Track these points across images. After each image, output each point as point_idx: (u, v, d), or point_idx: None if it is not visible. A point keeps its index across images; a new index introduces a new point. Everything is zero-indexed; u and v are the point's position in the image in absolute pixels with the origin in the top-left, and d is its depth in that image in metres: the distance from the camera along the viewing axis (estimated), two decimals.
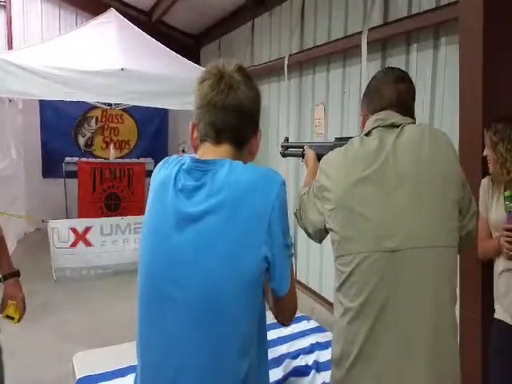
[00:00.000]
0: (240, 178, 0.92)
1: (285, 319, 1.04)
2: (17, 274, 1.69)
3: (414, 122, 1.23)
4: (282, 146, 1.75)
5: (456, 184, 1.17)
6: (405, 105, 1.22)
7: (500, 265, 1.85)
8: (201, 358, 0.86)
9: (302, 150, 1.61)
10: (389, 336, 1.08)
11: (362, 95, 1.32)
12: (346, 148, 1.22)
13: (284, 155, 1.74)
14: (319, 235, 1.25)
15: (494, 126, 1.79)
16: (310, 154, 1.51)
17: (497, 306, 1.88)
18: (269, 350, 1.75)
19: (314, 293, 3.99)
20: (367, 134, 1.21)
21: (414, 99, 1.25)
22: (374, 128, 1.19)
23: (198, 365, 0.87)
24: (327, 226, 1.18)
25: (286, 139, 1.81)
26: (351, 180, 1.14)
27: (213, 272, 0.86)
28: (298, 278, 4.08)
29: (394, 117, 1.19)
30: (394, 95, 1.20)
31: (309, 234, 1.30)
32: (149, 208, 0.99)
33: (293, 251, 1.00)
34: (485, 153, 1.87)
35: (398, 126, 1.18)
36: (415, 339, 1.08)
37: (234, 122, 0.96)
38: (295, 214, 1.35)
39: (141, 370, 0.97)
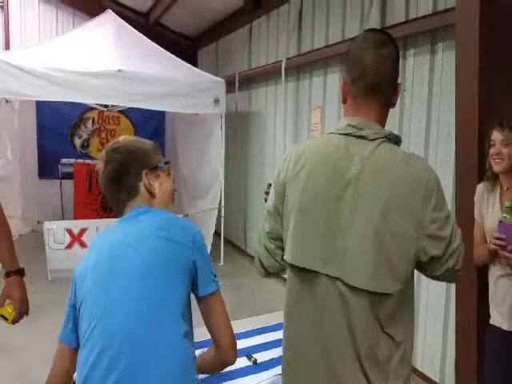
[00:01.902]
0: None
1: (223, 344, 1.14)
2: (20, 272, 1.57)
3: (389, 136, 1.08)
4: (266, 193, 1.66)
5: (411, 240, 1.02)
6: (385, 72, 1.09)
7: (497, 271, 1.85)
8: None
9: None
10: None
11: (343, 60, 1.25)
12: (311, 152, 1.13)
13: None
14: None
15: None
16: None
17: (493, 313, 1.88)
18: (260, 354, 1.76)
19: None
20: (335, 133, 1.12)
21: (397, 61, 1.12)
22: (343, 134, 1.10)
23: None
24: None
25: (269, 185, 1.71)
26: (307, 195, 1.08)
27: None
28: None
29: (370, 127, 1.08)
30: (371, 61, 1.08)
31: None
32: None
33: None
34: (494, 151, 1.84)
35: (370, 140, 1.06)
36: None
37: (115, 187, 1.20)
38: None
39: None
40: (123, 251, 1.08)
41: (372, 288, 1.01)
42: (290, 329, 1.18)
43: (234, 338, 1.14)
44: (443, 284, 2.67)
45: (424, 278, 3.09)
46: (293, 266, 1.12)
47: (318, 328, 1.08)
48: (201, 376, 1.61)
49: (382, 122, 1.13)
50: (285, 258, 1.14)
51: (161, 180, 1.21)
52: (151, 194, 1.18)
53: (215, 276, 1.15)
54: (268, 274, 1.24)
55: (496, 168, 1.84)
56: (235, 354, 1.15)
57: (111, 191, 1.19)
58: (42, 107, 5.92)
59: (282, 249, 1.18)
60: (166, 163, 1.24)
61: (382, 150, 1.05)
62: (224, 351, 1.13)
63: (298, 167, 1.12)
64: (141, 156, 1.19)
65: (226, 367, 1.19)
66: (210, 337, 1.17)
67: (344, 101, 1.17)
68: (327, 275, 1.05)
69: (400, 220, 1.00)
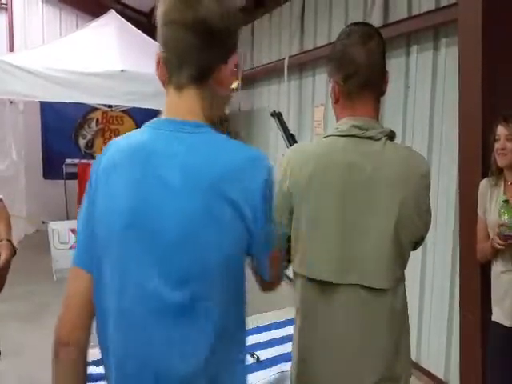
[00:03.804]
0: (221, 159, 0.77)
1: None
2: (12, 245, 1.53)
3: (390, 134, 1.09)
4: (274, 115, 1.57)
5: (417, 230, 1.10)
6: (376, 65, 1.09)
7: (498, 266, 1.85)
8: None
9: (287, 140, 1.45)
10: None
11: (328, 60, 1.16)
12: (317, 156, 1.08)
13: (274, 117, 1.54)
14: None
15: None
16: None
17: (495, 309, 1.87)
18: (263, 352, 1.76)
19: None
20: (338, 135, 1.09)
21: (385, 51, 1.11)
22: (348, 135, 1.07)
23: None
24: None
25: (278, 115, 1.60)
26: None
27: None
28: None
29: (374, 127, 1.08)
30: (363, 57, 1.06)
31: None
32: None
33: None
34: (499, 145, 1.85)
35: (376, 140, 1.07)
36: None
37: (197, 44, 0.78)
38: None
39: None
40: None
41: (391, 284, 1.06)
42: (306, 341, 1.12)
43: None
44: (447, 281, 2.66)
45: (428, 276, 3.06)
46: (308, 278, 1.08)
47: (340, 337, 1.07)
48: None
49: (378, 114, 1.13)
50: (298, 270, 1.10)
51: (229, 84, 0.87)
52: (223, 87, 0.83)
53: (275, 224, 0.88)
54: None
55: (501, 162, 1.85)
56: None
57: (187, 45, 0.78)
58: (46, 108, 5.95)
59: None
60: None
61: (388, 148, 1.07)
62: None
63: (306, 175, 1.06)
64: (238, 32, 0.84)
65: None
66: None
67: (336, 101, 1.14)
68: (347, 284, 1.04)
69: (412, 213, 1.06)
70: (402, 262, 1.09)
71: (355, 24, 1.14)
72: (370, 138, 1.07)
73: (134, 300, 0.76)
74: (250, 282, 0.88)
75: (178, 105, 0.82)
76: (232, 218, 0.76)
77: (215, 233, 0.75)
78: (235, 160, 0.78)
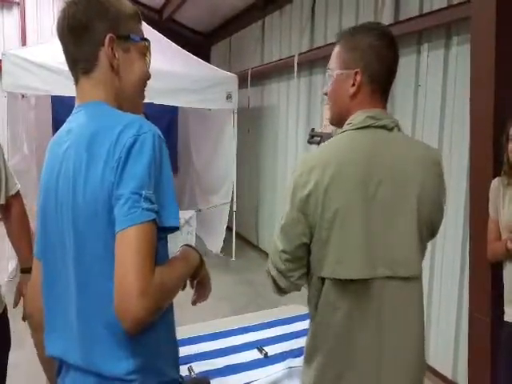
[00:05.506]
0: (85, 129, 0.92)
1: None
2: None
3: (399, 125, 1.13)
4: (310, 135, 1.65)
5: (436, 216, 1.17)
6: (395, 71, 1.13)
7: None
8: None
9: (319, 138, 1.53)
10: None
11: (353, 49, 1.13)
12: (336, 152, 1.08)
13: (310, 143, 1.65)
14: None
15: None
16: None
17: (507, 309, 1.86)
18: (271, 347, 1.77)
19: None
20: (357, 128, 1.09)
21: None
22: (362, 127, 1.08)
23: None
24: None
25: (313, 129, 1.74)
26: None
27: None
28: None
29: (386, 117, 1.10)
30: (395, 65, 1.11)
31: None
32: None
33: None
34: None
35: (389, 129, 1.09)
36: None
37: (73, 43, 0.94)
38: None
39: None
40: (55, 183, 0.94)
41: (419, 272, 1.10)
42: (346, 343, 1.07)
43: (142, 282, 0.75)
44: (456, 279, 2.65)
45: (437, 274, 3.04)
46: (336, 281, 1.04)
47: (378, 333, 1.06)
48: (209, 368, 1.61)
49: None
50: (326, 275, 1.05)
51: (131, 57, 0.96)
52: (113, 67, 0.94)
53: (146, 199, 0.80)
54: (284, 293, 1.16)
55: None
56: (138, 305, 0.75)
57: (67, 46, 0.95)
58: (57, 102, 5.98)
59: (296, 269, 1.10)
60: (144, 39, 0.99)
61: (402, 138, 1.12)
62: (120, 296, 0.76)
63: (328, 177, 1.02)
64: (110, 14, 0.92)
65: (126, 323, 0.77)
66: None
67: (354, 95, 1.11)
68: (378, 278, 1.03)
69: (432, 200, 1.11)
70: (424, 249, 1.13)
71: (386, 26, 1.21)
72: (383, 126, 1.08)
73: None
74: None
75: (77, 95, 1.00)
76: (101, 170, 0.84)
77: (86, 183, 0.86)
78: (108, 122, 0.90)
